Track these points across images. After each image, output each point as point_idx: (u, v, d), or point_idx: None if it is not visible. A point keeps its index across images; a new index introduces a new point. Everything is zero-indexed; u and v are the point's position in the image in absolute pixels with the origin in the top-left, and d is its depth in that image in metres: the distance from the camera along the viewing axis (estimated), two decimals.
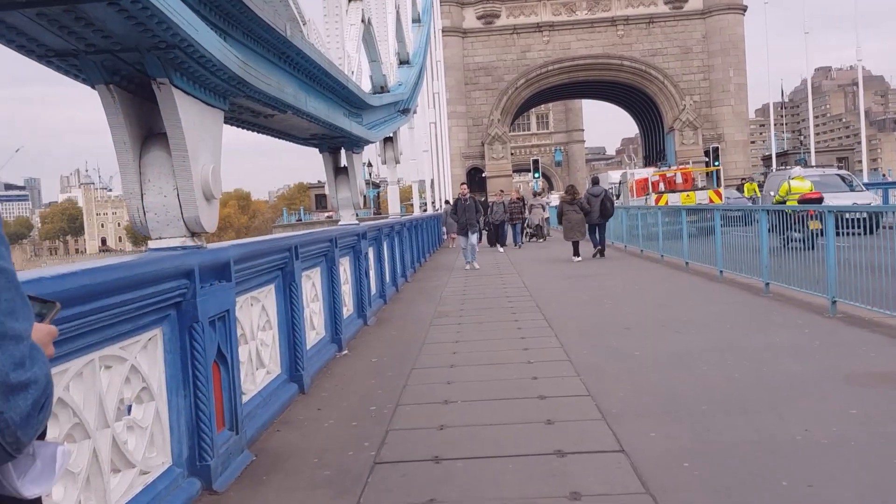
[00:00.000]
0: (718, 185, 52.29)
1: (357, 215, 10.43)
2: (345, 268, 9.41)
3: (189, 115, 4.38)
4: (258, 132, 7.47)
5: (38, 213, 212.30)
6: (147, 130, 4.53)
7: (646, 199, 28.39)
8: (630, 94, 60.23)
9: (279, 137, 8.55)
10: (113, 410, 3.43)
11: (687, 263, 15.07)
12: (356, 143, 9.79)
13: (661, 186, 28.55)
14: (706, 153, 55.29)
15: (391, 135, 15.68)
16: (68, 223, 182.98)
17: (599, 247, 18.77)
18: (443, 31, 48.41)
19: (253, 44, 5.40)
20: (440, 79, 39.72)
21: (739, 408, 5.16)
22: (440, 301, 12.29)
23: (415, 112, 22.34)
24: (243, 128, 7.32)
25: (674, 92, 55.88)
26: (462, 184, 23.57)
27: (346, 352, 8.17)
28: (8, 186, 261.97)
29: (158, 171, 4.46)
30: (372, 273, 11.63)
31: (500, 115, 56.15)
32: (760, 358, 6.71)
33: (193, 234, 4.65)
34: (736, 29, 56.06)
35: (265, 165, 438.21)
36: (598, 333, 8.55)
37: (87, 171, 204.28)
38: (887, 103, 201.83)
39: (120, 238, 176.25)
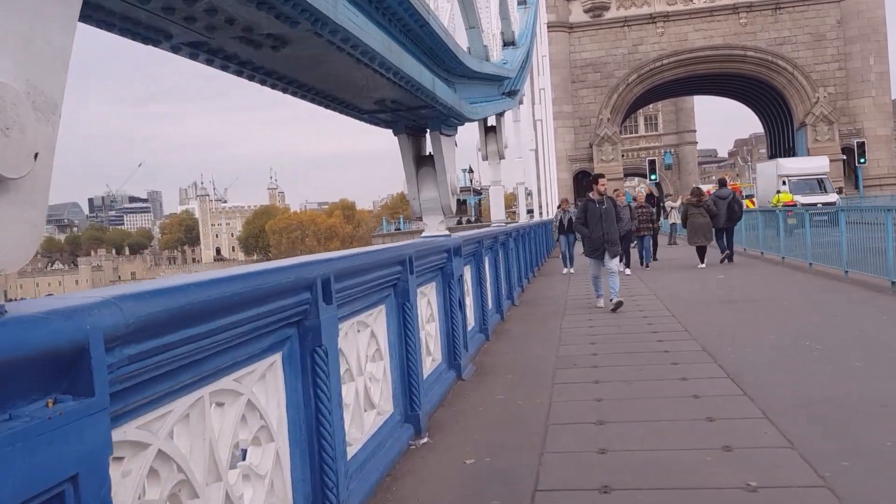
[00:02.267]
0: (856, 186, 47.38)
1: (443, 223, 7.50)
2: (429, 300, 6.48)
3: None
4: (282, 89, 4.61)
5: (158, 225, 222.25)
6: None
7: None
8: (754, 87, 55.06)
9: (329, 105, 5.70)
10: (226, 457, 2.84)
11: (811, 265, 15.01)
12: (445, 120, 6.87)
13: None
14: (844, 150, 49.78)
15: (494, 122, 12.68)
16: (185, 233, 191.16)
17: (728, 252, 17.92)
18: (548, 27, 45.21)
19: None
20: (545, 73, 36.44)
21: None
22: (561, 337, 9.15)
23: (521, 102, 19.28)
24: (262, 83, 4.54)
25: (805, 83, 50.54)
26: (564, 199, 21.60)
27: (425, 439, 5.17)
28: (132, 199, 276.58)
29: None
30: (469, 301, 8.66)
31: (610, 114, 52.26)
32: None
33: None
34: (876, 11, 50.11)
35: (370, 174, 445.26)
36: (838, 411, 5.21)
37: (202, 183, 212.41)
38: None
39: (233, 248, 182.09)
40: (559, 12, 51.38)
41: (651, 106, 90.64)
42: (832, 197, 35.12)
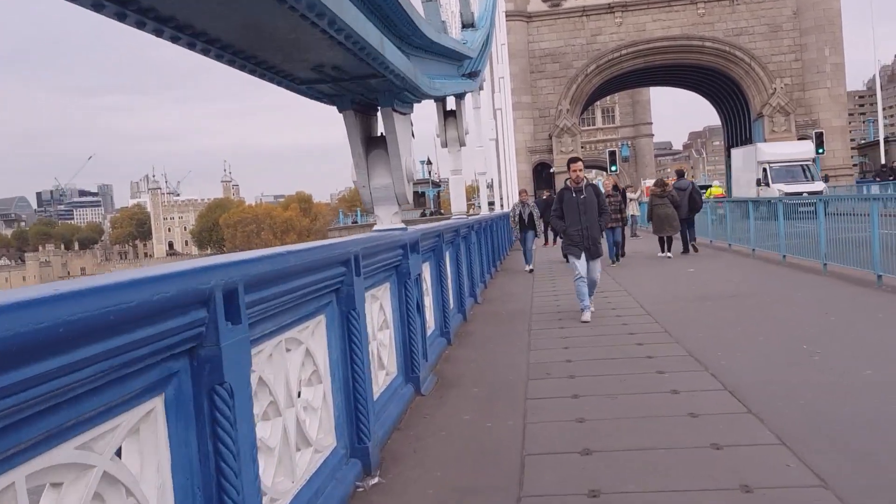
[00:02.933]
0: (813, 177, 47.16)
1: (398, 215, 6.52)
2: (381, 304, 5.53)
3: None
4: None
5: (109, 219, 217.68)
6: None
7: None
8: (711, 78, 55.00)
9: (256, 72, 4.71)
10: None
11: (784, 257, 14.42)
12: (399, 94, 5.90)
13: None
14: (802, 140, 49.90)
15: (453, 106, 11.74)
16: (137, 228, 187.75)
17: (692, 242, 18.15)
18: (506, 16, 44.40)
19: None
20: (504, 62, 35.60)
21: None
22: (530, 340, 8.27)
23: (481, 88, 18.38)
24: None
25: (762, 74, 50.59)
26: (522, 190, 19.53)
27: (376, 479, 4.22)
28: (82, 193, 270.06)
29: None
30: (429, 302, 7.73)
31: (569, 105, 51.72)
32: None
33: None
34: (832, 3, 50.32)
35: (328, 167, 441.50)
36: (866, 436, 4.39)
37: (154, 176, 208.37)
38: None
39: (186, 242, 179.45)
40: (517, 1, 50.60)
41: (608, 98, 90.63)
42: (818, 185, 31.95)
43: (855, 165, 62.46)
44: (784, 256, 14.15)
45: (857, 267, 10.96)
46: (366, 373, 4.48)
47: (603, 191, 13.92)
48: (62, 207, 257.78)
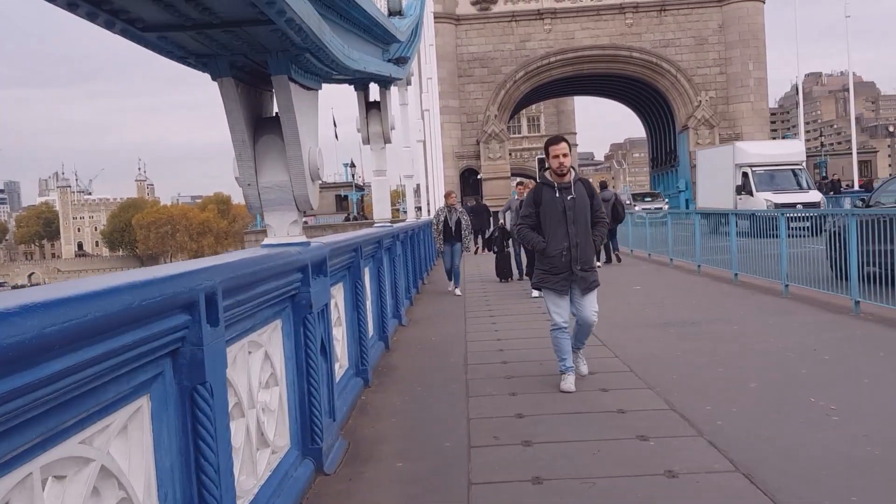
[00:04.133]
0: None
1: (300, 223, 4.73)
2: (267, 352, 3.84)
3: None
4: None
5: (14, 217, 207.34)
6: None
7: None
8: (638, 89, 54.99)
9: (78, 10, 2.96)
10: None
11: (699, 267, 14.96)
12: (300, 59, 4.19)
13: None
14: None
15: (378, 97, 10.10)
16: (44, 227, 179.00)
17: (615, 252, 18.40)
18: (435, 17, 42.97)
19: None
20: (432, 62, 34.11)
21: None
22: (467, 379, 6.65)
23: (409, 83, 16.76)
24: None
25: (688, 87, 50.74)
26: (449, 192, 15.14)
27: None
28: None
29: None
30: (341, 334, 6.07)
31: (497, 110, 50.66)
32: None
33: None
34: (756, 18, 50.90)
35: None
36: None
37: (63, 173, 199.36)
38: (878, 109, 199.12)
39: (97, 243, 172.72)
40: (446, 3, 49.25)
41: (534, 107, 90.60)
42: (814, 196, 25.18)
43: None
44: (736, 275, 13.00)
45: (828, 291, 9.82)
46: (227, 467, 2.85)
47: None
48: None
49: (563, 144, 6.30)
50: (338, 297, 6.21)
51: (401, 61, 10.11)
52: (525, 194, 12.33)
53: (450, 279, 14.15)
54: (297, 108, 4.41)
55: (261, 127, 4.56)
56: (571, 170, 6.33)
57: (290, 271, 4.08)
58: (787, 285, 10.89)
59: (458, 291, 13.70)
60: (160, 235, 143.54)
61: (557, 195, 6.20)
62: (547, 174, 6.38)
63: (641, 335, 8.43)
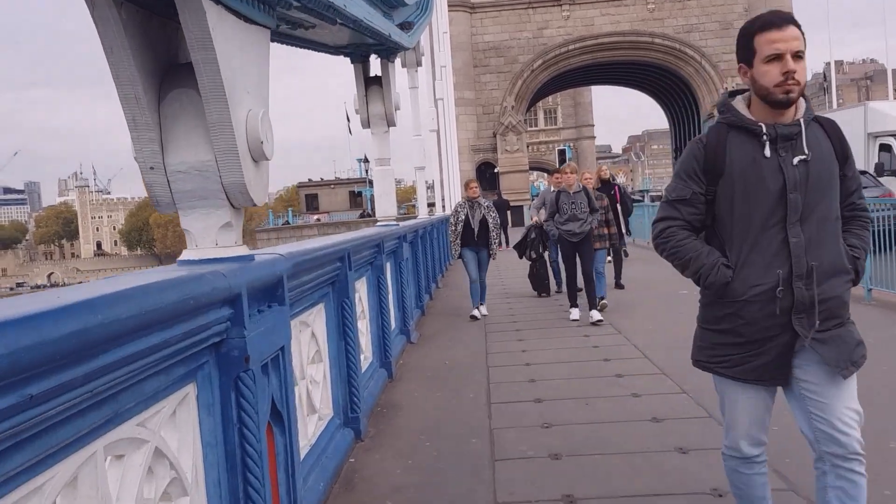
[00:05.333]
0: None
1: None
2: (165, 450, 2.22)
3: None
4: None
5: (34, 217, 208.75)
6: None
7: None
8: (660, 77, 53.00)
9: None
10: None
11: None
12: None
13: None
14: None
15: (379, 72, 8.47)
16: (63, 227, 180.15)
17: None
18: (448, 6, 41.28)
19: None
20: (446, 50, 32.39)
21: None
22: (495, 441, 4.98)
23: (419, 63, 15.06)
24: None
25: (713, 74, 48.68)
26: (470, 181, 11.19)
27: None
28: (7, 190, 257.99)
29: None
30: (324, 372, 4.45)
31: (515, 101, 48.89)
32: None
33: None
34: (784, 1, 48.71)
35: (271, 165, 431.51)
36: None
37: (81, 172, 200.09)
38: None
39: (115, 242, 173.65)
40: None
41: (550, 99, 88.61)
42: None
43: None
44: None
45: None
46: None
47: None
48: None
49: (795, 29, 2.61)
50: (316, 323, 4.58)
51: (406, 27, 8.47)
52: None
53: (474, 302, 10.40)
54: (225, 50, 2.77)
55: (172, 78, 2.92)
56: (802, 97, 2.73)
57: (200, 309, 2.44)
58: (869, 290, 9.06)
59: (483, 311, 10.23)
60: (177, 234, 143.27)
61: (768, 150, 2.67)
62: (740, 102, 2.82)
63: None
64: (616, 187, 12.62)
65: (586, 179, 10.60)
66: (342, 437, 4.75)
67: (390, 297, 7.50)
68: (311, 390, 4.35)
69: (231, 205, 2.98)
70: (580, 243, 9.24)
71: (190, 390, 2.60)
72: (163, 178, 2.91)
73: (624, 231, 11.52)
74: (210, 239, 3.00)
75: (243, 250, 3.09)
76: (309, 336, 4.42)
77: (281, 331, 3.25)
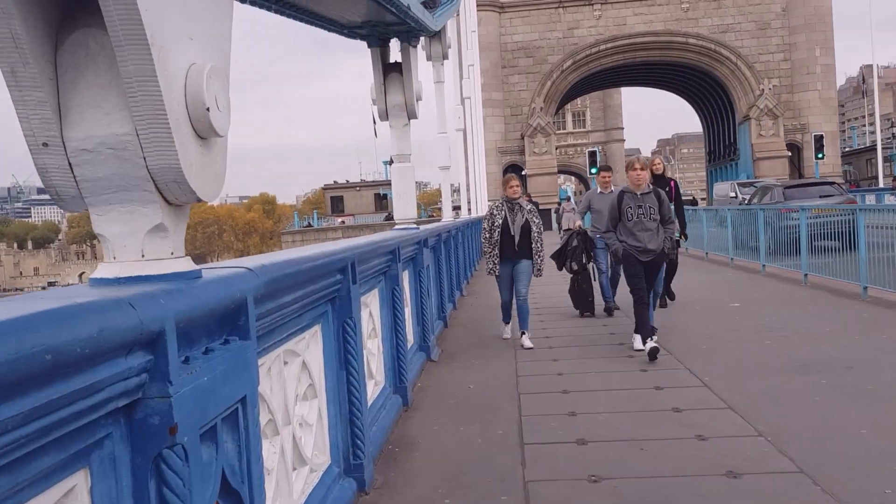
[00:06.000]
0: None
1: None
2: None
3: None
4: None
5: (66, 218, 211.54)
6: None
7: None
8: (694, 78, 51.61)
9: None
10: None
11: (805, 276, 11.98)
12: None
13: None
14: (790, 146, 46.64)
15: (399, 58, 7.60)
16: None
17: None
18: (477, 5, 40.36)
19: None
20: (474, 48, 31.45)
21: None
22: (531, 499, 4.03)
23: (446, 57, 14.12)
24: None
25: (749, 75, 47.25)
26: (510, 178, 8.59)
27: None
28: (41, 190, 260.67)
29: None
30: (319, 407, 3.55)
31: (544, 102, 47.85)
32: None
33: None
34: (823, 1, 47.10)
35: (294, 169, 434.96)
36: None
37: None
38: None
39: None
40: None
41: (579, 101, 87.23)
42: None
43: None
44: (865, 288, 10.11)
45: None
46: None
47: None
48: (19, 205, 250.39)
49: None
50: (309, 351, 3.68)
51: (430, 4, 7.57)
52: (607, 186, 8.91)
53: (506, 318, 8.77)
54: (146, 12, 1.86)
55: (76, 13, 2.02)
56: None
57: (80, 362, 1.53)
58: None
59: (526, 343, 8.12)
60: (207, 235, 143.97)
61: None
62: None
63: (778, 388, 5.71)
64: (672, 182, 10.74)
65: (656, 166, 9.52)
66: (341, 492, 3.84)
67: (407, 310, 6.58)
68: (299, 437, 3.44)
69: (164, 199, 2.07)
70: (651, 263, 7.38)
71: (78, 481, 1.70)
72: (62, 160, 2.01)
73: (679, 236, 9.82)
74: (134, 249, 2.09)
75: (184, 265, 2.18)
76: (298, 368, 3.51)
77: (241, 376, 2.34)
